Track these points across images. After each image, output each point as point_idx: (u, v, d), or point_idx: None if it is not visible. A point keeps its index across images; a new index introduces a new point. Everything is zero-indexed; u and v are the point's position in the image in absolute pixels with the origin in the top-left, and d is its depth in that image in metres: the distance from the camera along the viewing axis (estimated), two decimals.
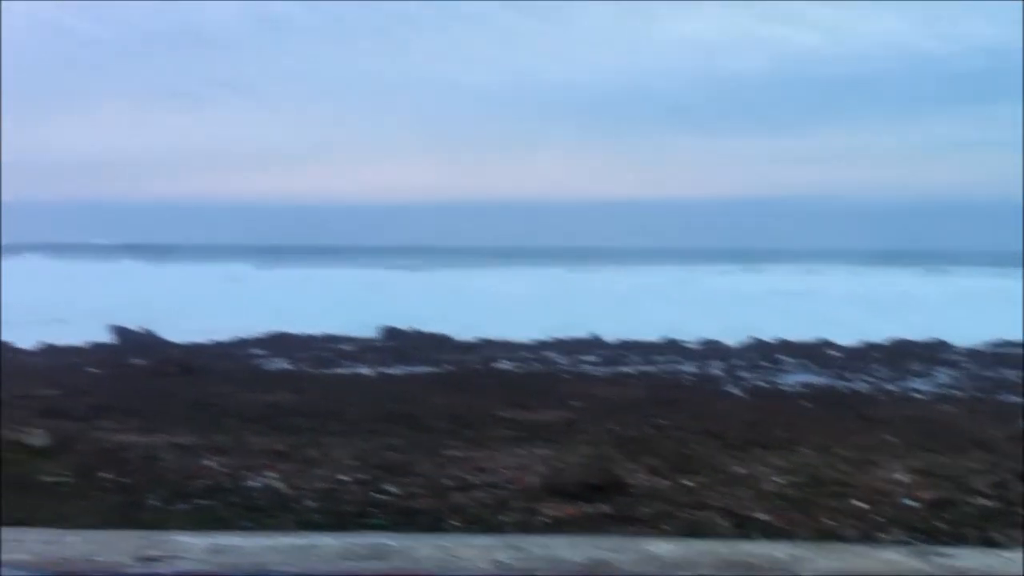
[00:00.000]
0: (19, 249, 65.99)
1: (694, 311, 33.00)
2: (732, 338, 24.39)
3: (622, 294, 42.62)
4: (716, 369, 20.09)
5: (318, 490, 9.12)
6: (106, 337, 24.03)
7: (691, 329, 25.51)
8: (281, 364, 20.36)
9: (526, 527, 7.40)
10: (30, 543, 2.15)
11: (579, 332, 25.58)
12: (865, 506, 8.47)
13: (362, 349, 23.24)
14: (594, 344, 24.52)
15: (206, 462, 10.26)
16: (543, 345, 24.04)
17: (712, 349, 23.63)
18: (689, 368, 20.27)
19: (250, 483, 9.45)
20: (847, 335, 24.27)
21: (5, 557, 2.07)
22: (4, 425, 11.57)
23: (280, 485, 9.35)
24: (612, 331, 25.45)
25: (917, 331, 25.04)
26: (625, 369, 20.16)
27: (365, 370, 19.47)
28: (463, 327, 25.68)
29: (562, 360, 21.68)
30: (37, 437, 10.93)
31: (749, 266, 66.70)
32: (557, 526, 7.50)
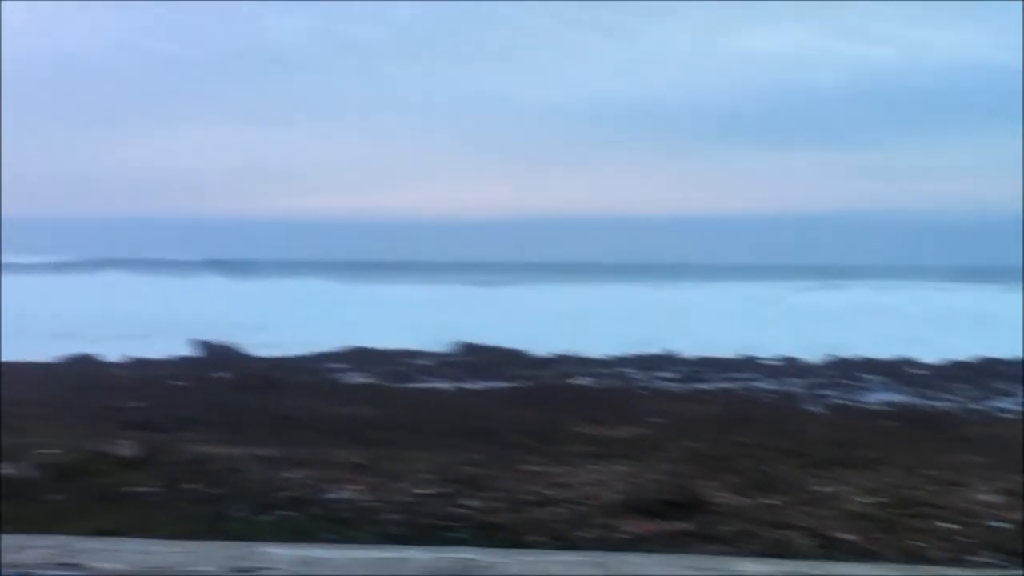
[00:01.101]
0: (103, 265, 67.70)
1: (771, 328, 32.63)
2: (811, 355, 24.07)
3: (698, 310, 42.29)
4: (795, 386, 19.85)
5: (398, 503, 9.20)
6: (190, 351, 24.57)
7: (769, 346, 25.24)
8: (360, 378, 20.63)
9: (606, 544, 7.38)
10: (123, 553, 2.22)
11: (655, 348, 25.45)
12: (952, 527, 8.29)
13: (439, 364, 23.43)
14: (670, 360, 24.38)
15: (289, 474, 10.42)
16: (619, 361, 23.98)
17: (791, 366, 23.35)
18: (767, 385, 20.06)
19: (332, 495, 9.58)
20: (928, 353, 23.80)
21: (100, 566, 2.16)
22: (94, 436, 11.90)
23: (361, 498, 9.46)
24: (688, 347, 25.28)
25: (1000, 349, 24.45)
26: (702, 385, 20.03)
27: (442, 384, 19.62)
28: (538, 342, 25.72)
29: (638, 376, 21.62)
30: (126, 448, 11.20)
31: (826, 282, 65.68)
32: (637, 543, 7.48)
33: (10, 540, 2.37)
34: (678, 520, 8.27)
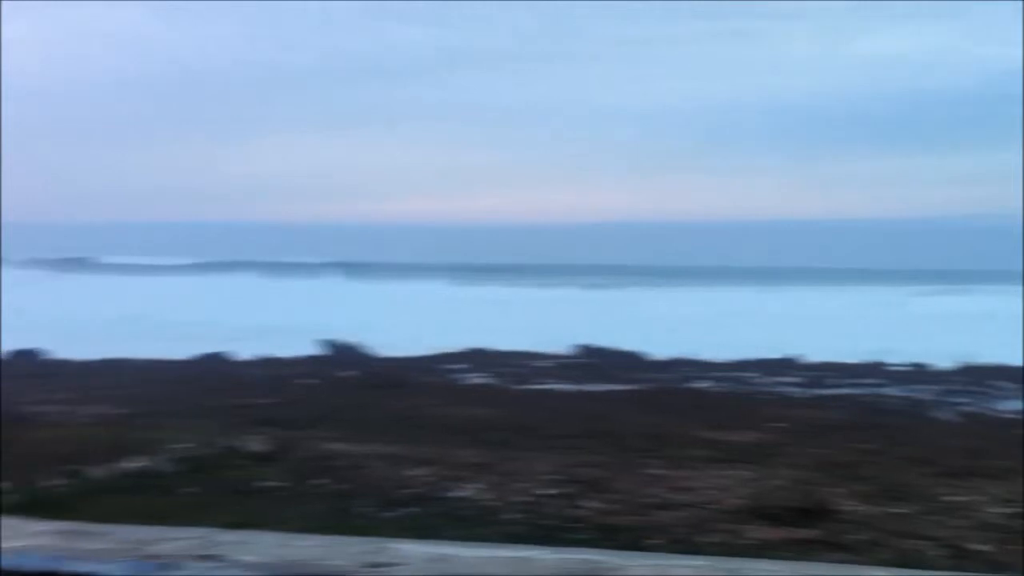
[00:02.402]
0: (235, 267, 69.85)
1: (898, 333, 31.71)
2: (940, 361, 23.33)
3: (821, 315, 41.38)
4: (924, 393, 19.27)
5: (519, 503, 9.29)
6: (317, 350, 25.21)
7: (896, 351, 24.55)
8: (480, 379, 20.86)
9: (730, 549, 7.32)
10: (260, 546, 2.31)
11: (776, 353, 25.02)
12: None
13: (558, 365, 23.51)
14: (793, 365, 23.95)
15: (412, 472, 10.61)
16: (740, 365, 23.66)
17: (919, 372, 22.69)
18: (895, 391, 19.53)
19: (453, 494, 9.73)
20: None
21: (239, 558, 2.25)
22: (226, 432, 12.33)
23: (482, 497, 9.58)
24: (811, 352, 24.79)
25: None
26: (826, 391, 19.61)
27: (561, 386, 19.68)
28: (657, 346, 25.57)
29: (760, 380, 21.30)
30: (256, 444, 11.58)
31: (953, 287, 63.41)
32: (762, 550, 7.39)
33: (151, 532, 2.49)
34: (803, 527, 8.14)
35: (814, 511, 8.49)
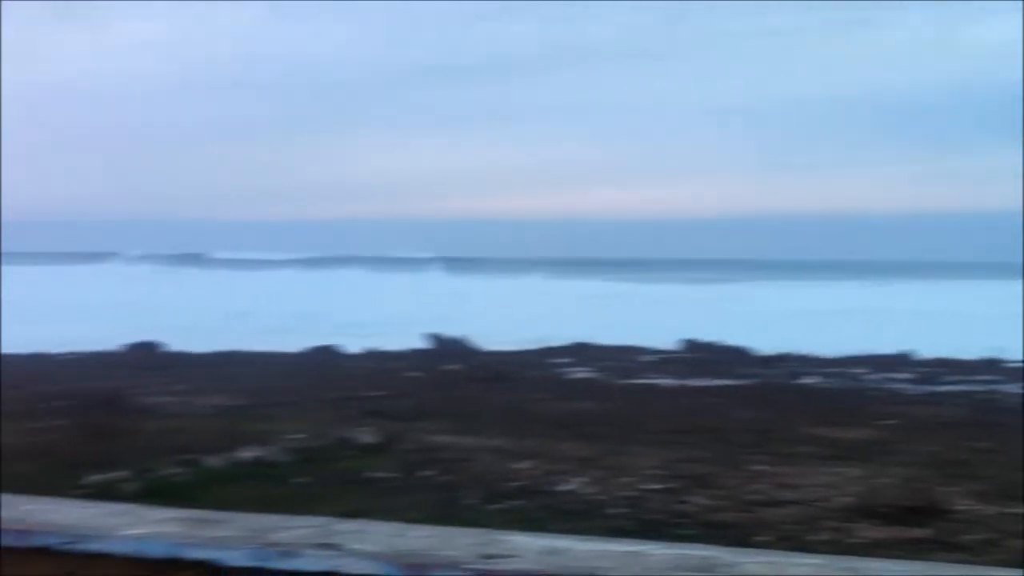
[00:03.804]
0: (340, 262, 71.16)
1: (1018, 329, 30.64)
2: None
3: (938, 310, 40.21)
4: None
5: (624, 497, 9.31)
6: (423, 343, 25.57)
7: (1015, 348, 23.74)
8: (584, 373, 20.87)
9: (840, 548, 7.22)
10: (376, 535, 2.38)
11: (888, 348, 24.43)
12: None
13: (662, 360, 23.38)
14: (905, 361, 23.36)
15: (517, 465, 10.71)
16: (850, 361, 23.17)
17: None
18: (1014, 389, 18.88)
19: (559, 487, 9.79)
20: None
21: (356, 547, 2.33)
22: (337, 423, 12.63)
23: (587, 490, 9.62)
24: (925, 348, 24.14)
25: None
26: (940, 388, 19.09)
27: (666, 381, 19.56)
28: (764, 341, 25.22)
29: (871, 377, 20.83)
30: (366, 435, 11.82)
31: None
32: (873, 549, 7.27)
33: (271, 520, 2.59)
34: (915, 527, 7.99)
35: (926, 510, 8.32)
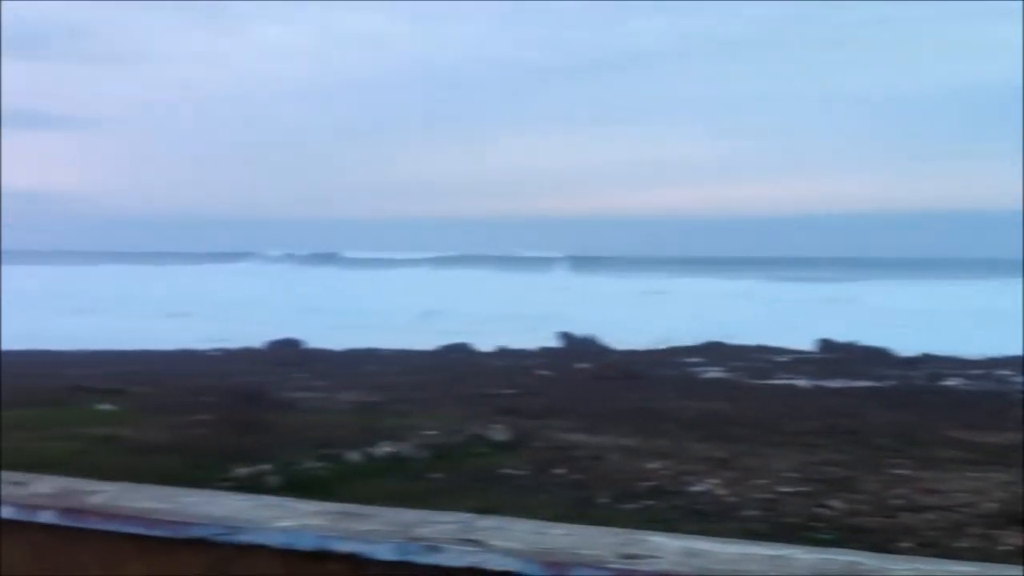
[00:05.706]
0: (468, 261, 71.98)
1: None
2: None
3: None
4: None
5: (759, 500, 9.19)
6: (554, 341, 25.68)
7: None
8: (716, 373, 20.63)
9: (985, 555, 7.00)
10: (517, 532, 2.41)
11: None
12: None
13: (797, 361, 22.92)
14: None
15: (649, 464, 10.68)
16: (994, 362, 22.28)
17: None
18: None
19: (692, 488, 9.73)
20: None
21: (498, 544, 2.36)
22: (470, 420, 12.81)
23: (721, 492, 9.53)
24: None
25: None
26: None
27: (801, 382, 19.17)
28: (902, 341, 24.45)
29: (1017, 379, 19.99)
30: (499, 432, 11.96)
31: None
32: (1021, 557, 7.03)
33: (414, 515, 2.65)
34: None
35: None
